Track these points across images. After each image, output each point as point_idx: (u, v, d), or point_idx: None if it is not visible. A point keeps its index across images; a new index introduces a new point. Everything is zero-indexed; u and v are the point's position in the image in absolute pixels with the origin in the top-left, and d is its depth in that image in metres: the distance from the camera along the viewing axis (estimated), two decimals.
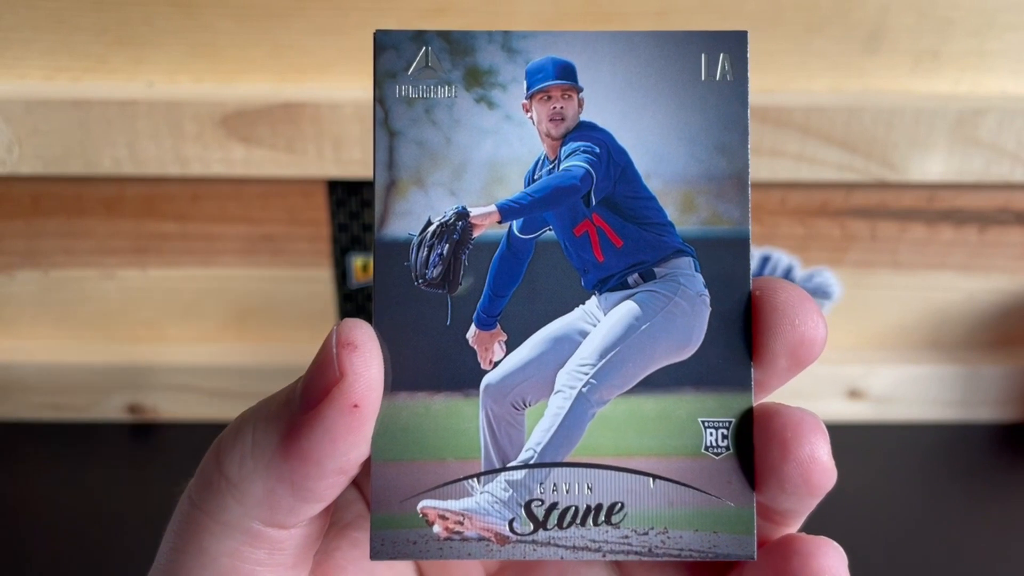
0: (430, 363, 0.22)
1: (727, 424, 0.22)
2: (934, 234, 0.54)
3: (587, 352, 0.22)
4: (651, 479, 0.22)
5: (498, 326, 0.22)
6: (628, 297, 0.22)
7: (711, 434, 0.22)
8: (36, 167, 0.48)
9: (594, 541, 0.22)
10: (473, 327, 0.22)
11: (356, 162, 0.49)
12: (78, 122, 0.47)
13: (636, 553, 0.22)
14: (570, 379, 0.22)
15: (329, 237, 0.54)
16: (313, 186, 0.52)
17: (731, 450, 0.22)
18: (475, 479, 0.22)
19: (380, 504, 0.22)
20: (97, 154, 0.48)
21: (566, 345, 0.22)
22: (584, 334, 0.22)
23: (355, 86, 0.48)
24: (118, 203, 0.52)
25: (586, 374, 0.22)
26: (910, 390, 0.57)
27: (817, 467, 0.20)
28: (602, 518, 0.22)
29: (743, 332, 0.22)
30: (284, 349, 0.57)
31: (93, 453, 0.56)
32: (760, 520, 0.22)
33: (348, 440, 0.19)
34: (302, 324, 0.57)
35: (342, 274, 0.55)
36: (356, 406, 0.19)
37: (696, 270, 0.22)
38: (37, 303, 0.56)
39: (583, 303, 0.22)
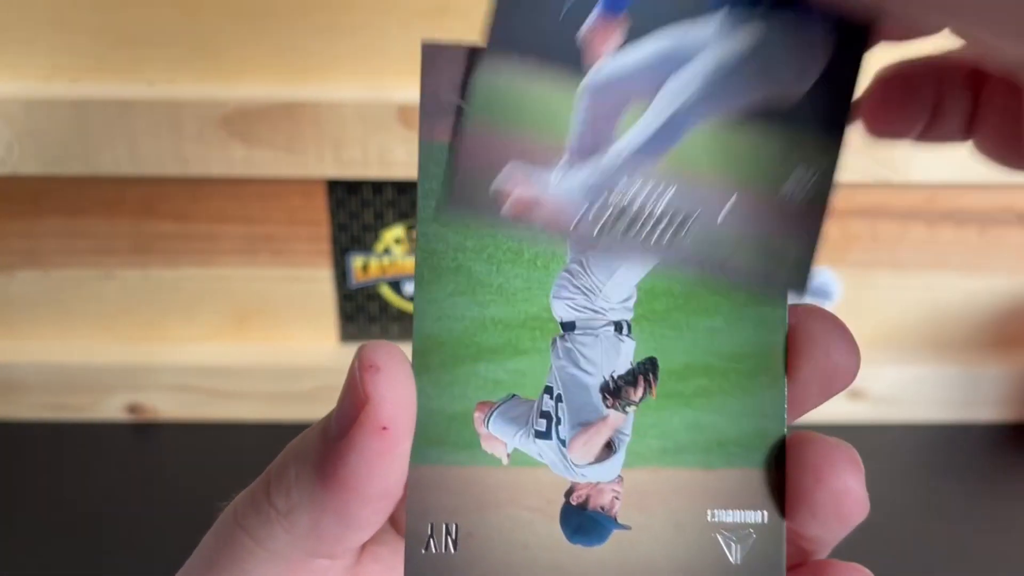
0: (537, 53, 0.20)
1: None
2: (935, 234, 0.54)
3: (698, 67, 0.21)
4: None
5: (625, 15, 0.20)
6: (753, 26, 0.21)
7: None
8: (36, 167, 0.48)
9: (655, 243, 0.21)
10: (596, 14, 0.20)
11: (356, 162, 0.49)
12: (78, 122, 0.47)
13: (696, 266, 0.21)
14: (675, 89, 0.21)
15: (329, 237, 0.54)
16: (313, 186, 0.52)
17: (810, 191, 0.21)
18: (558, 168, 0.21)
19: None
20: (97, 154, 0.48)
21: (681, 56, 0.21)
22: (702, 49, 0.21)
23: (355, 86, 0.48)
24: (118, 203, 0.52)
25: (693, 89, 0.21)
26: (910, 390, 0.57)
27: (850, 497, 0.20)
28: (670, 231, 0.21)
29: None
30: (284, 349, 0.57)
31: (93, 453, 0.56)
32: (791, 546, 0.22)
33: (383, 463, 0.19)
34: (302, 324, 0.57)
35: (342, 274, 0.55)
36: (385, 428, 0.19)
37: None
38: (37, 303, 0.56)
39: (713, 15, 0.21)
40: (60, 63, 0.47)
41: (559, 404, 0.21)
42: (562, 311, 0.21)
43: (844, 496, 0.20)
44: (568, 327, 0.21)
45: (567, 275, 0.22)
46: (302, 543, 0.20)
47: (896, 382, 0.57)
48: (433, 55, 0.21)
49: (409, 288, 0.56)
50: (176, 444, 0.56)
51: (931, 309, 0.57)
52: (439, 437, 0.21)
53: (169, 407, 0.57)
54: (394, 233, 0.54)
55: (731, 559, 0.21)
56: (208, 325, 0.57)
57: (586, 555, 0.21)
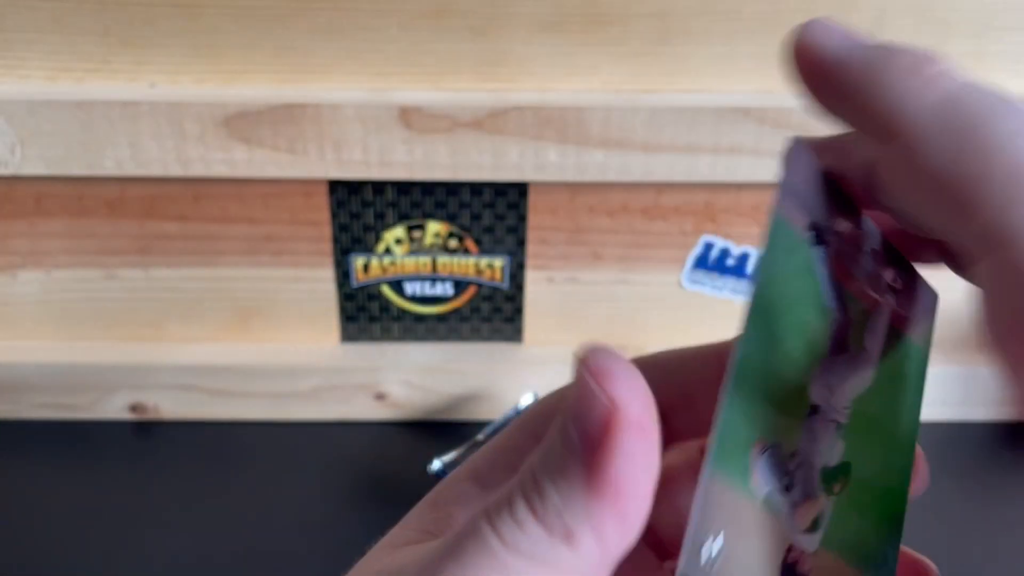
0: None
1: None
2: None
3: None
4: None
5: None
6: None
7: None
8: (39, 168, 0.48)
9: None
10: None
11: (357, 163, 0.49)
12: (81, 123, 0.47)
13: None
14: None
15: (330, 237, 0.54)
16: (314, 187, 0.52)
17: None
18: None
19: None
20: (99, 155, 0.48)
21: None
22: None
23: (356, 87, 0.49)
24: (120, 203, 0.52)
25: None
26: None
27: None
28: None
29: None
30: (285, 349, 0.57)
31: (95, 453, 0.56)
32: None
33: (648, 461, 0.20)
34: (303, 324, 0.57)
35: (343, 274, 0.55)
36: (641, 427, 0.20)
37: None
38: (39, 303, 0.56)
39: None
40: (63, 64, 0.48)
41: (798, 471, 0.23)
42: (815, 394, 0.24)
43: None
44: (814, 410, 0.24)
45: (825, 365, 0.24)
46: (597, 561, 0.20)
47: None
48: (797, 153, 0.24)
49: (409, 288, 0.56)
50: (178, 443, 0.56)
51: None
52: (731, 457, 0.22)
53: (171, 407, 0.58)
54: (395, 233, 0.54)
55: None
56: (210, 325, 0.57)
57: None
